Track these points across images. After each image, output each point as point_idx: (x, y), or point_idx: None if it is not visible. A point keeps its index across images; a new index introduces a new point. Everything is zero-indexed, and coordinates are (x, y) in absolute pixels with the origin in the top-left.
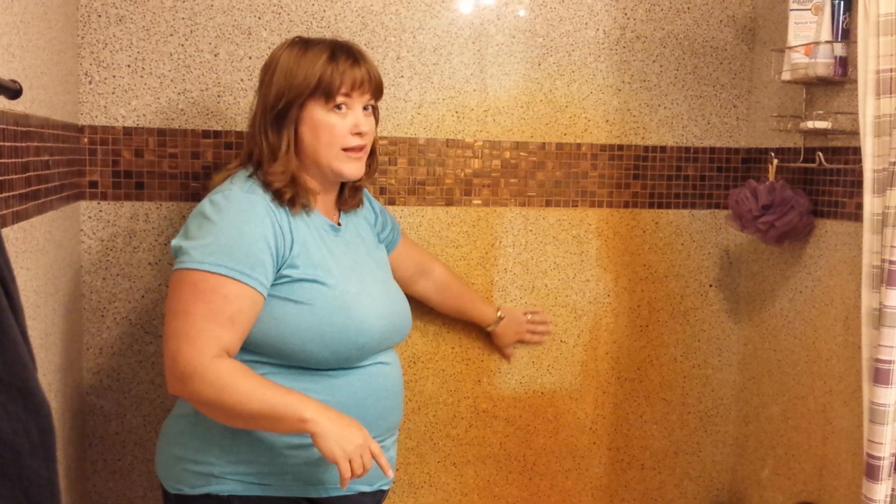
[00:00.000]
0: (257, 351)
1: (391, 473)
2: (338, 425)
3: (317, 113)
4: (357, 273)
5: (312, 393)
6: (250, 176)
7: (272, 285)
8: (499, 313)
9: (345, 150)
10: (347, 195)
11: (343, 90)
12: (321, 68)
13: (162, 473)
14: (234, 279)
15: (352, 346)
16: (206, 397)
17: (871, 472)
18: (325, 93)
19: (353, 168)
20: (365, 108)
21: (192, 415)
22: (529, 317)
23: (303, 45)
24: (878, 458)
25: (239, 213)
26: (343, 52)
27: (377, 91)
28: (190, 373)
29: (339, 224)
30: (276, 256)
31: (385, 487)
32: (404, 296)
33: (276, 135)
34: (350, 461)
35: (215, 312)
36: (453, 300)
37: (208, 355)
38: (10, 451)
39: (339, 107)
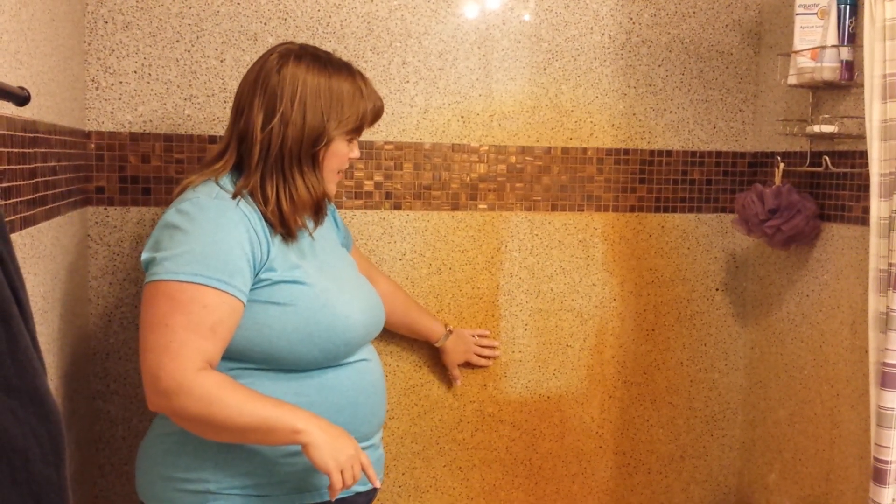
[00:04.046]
0: (242, 358)
1: (378, 483)
2: (330, 436)
3: (341, 146)
4: (330, 271)
5: (304, 396)
6: (216, 182)
7: (252, 290)
8: (447, 328)
9: (337, 172)
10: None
11: (368, 125)
12: (360, 106)
13: (148, 495)
14: (213, 288)
15: (339, 343)
16: (192, 413)
17: (879, 476)
18: (358, 129)
19: (335, 187)
20: None
21: (178, 433)
22: (477, 338)
23: (322, 66)
24: (886, 462)
25: (211, 220)
26: (363, 81)
27: None
28: (175, 388)
29: (304, 226)
30: (254, 261)
31: (377, 485)
32: (374, 290)
33: (312, 175)
34: (342, 472)
35: (196, 323)
36: (400, 313)
37: (192, 369)
38: (20, 456)
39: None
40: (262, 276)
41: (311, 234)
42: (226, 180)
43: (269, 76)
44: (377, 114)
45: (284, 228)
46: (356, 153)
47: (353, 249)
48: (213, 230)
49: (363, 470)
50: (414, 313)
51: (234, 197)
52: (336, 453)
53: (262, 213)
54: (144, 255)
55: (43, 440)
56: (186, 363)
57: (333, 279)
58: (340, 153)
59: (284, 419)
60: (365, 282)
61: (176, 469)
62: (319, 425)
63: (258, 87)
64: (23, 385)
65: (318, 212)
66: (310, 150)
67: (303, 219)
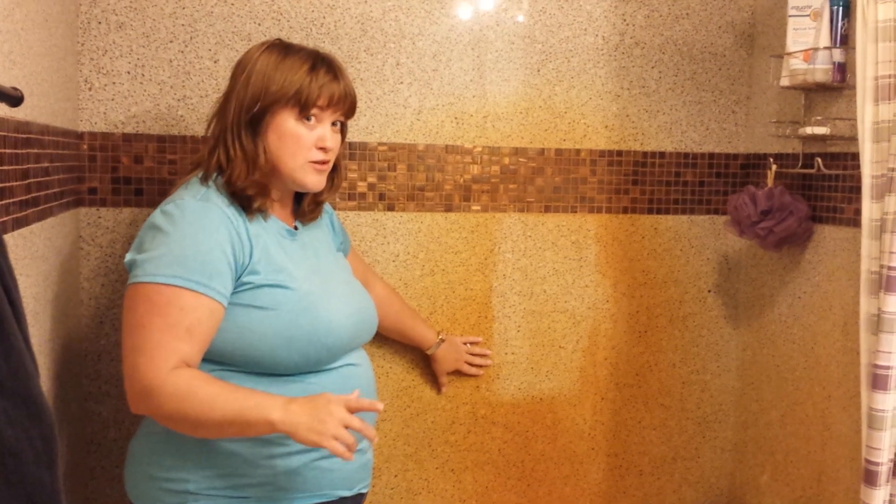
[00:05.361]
0: (224, 361)
1: (380, 406)
2: (307, 414)
3: (286, 122)
4: (319, 275)
5: None
6: (204, 181)
7: (234, 293)
8: (440, 336)
9: (309, 162)
10: (307, 208)
11: (319, 104)
12: (301, 78)
13: (134, 494)
14: (190, 290)
15: (321, 348)
16: (167, 410)
17: (870, 478)
18: (301, 104)
19: (315, 180)
20: (333, 124)
21: (163, 431)
22: (468, 346)
23: (282, 49)
24: (877, 464)
25: (192, 222)
26: (324, 64)
27: (350, 109)
28: (148, 388)
29: (295, 228)
30: (235, 264)
31: (364, 491)
32: (368, 294)
33: (251, 141)
34: (335, 437)
35: (172, 325)
36: (393, 317)
37: (165, 369)
38: (13, 458)
39: (308, 118)
40: (245, 279)
41: (261, 215)
42: (219, 179)
43: (235, 64)
44: (330, 96)
45: (242, 203)
46: (328, 143)
47: (350, 253)
48: (194, 232)
49: (355, 431)
50: (407, 320)
51: (234, 193)
52: (318, 427)
53: (240, 201)
54: (128, 257)
55: (35, 443)
56: (160, 363)
57: (321, 283)
58: (292, 132)
59: (258, 411)
60: (357, 287)
61: (159, 468)
62: (294, 409)
63: (230, 77)
64: (16, 386)
65: (261, 188)
66: (245, 118)
67: (255, 192)
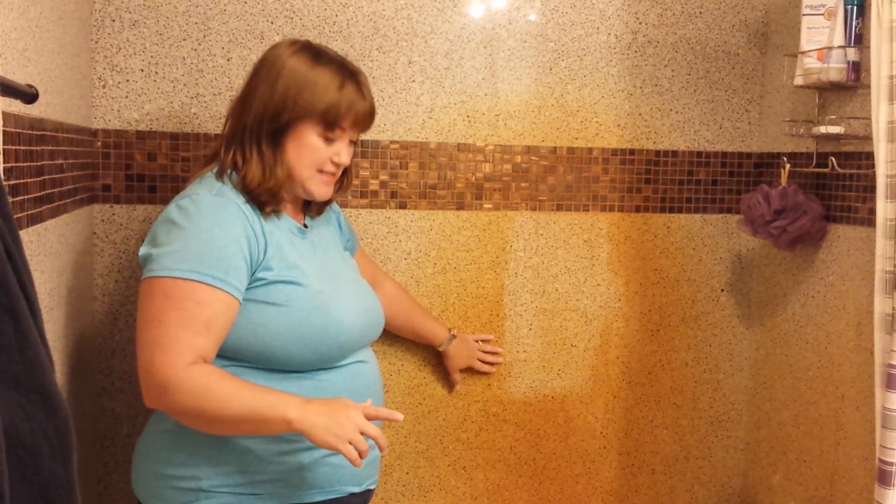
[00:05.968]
0: (237, 356)
1: (399, 416)
2: (324, 415)
3: (309, 136)
4: (328, 273)
5: None
6: (219, 176)
7: (247, 289)
8: (451, 332)
9: (319, 171)
10: (314, 207)
11: (343, 125)
12: (332, 97)
13: (143, 493)
14: (207, 284)
15: (332, 345)
16: (184, 406)
17: (883, 478)
18: (327, 123)
19: (324, 191)
20: (351, 140)
21: (173, 429)
22: (480, 343)
23: (313, 56)
24: (891, 464)
25: (209, 217)
26: (352, 81)
27: (369, 126)
28: (165, 382)
29: (305, 226)
30: (251, 260)
31: (372, 487)
32: (375, 294)
33: (270, 150)
34: (350, 442)
35: (189, 319)
36: (403, 315)
37: (182, 363)
38: (29, 452)
39: (330, 136)
40: (259, 275)
41: (274, 214)
42: (234, 175)
43: (260, 61)
44: (356, 115)
45: (256, 203)
46: (343, 158)
47: (358, 252)
48: (210, 227)
49: (368, 434)
50: (417, 317)
51: (248, 193)
52: (336, 429)
53: (255, 205)
54: (142, 251)
55: (51, 437)
56: (177, 358)
57: (331, 281)
58: (312, 146)
59: (275, 409)
60: (365, 285)
61: (169, 466)
62: (311, 408)
63: (252, 72)
64: (31, 381)
65: (274, 195)
66: (268, 127)
67: (267, 198)
